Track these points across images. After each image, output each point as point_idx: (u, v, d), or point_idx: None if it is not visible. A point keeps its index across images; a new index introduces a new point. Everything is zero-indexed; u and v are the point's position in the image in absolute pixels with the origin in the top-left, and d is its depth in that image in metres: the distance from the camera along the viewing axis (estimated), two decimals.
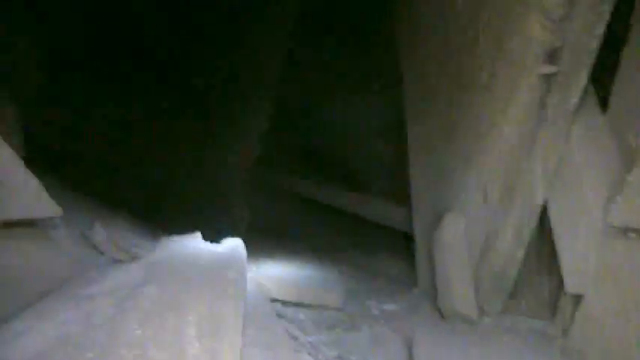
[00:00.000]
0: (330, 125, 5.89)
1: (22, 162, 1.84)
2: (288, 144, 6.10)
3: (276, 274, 3.23)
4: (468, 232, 2.70)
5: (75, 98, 5.12)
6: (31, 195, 1.84)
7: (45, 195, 1.91)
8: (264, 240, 4.46)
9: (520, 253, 2.53)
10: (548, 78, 2.31)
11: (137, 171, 5.38)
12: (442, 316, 2.76)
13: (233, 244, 2.61)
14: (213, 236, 2.97)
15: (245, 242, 2.90)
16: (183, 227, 3.05)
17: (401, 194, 3.97)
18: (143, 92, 5.55)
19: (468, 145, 2.83)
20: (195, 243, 2.65)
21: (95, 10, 5.12)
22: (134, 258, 2.43)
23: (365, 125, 5.59)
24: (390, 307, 3.08)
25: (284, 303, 2.83)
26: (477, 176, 2.70)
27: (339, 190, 5.01)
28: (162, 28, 5.65)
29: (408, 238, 3.74)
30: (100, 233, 2.78)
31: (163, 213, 4.79)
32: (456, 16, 3.04)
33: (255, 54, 5.71)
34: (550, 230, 2.45)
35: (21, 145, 3.01)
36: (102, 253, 2.61)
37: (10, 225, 1.84)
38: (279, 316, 2.58)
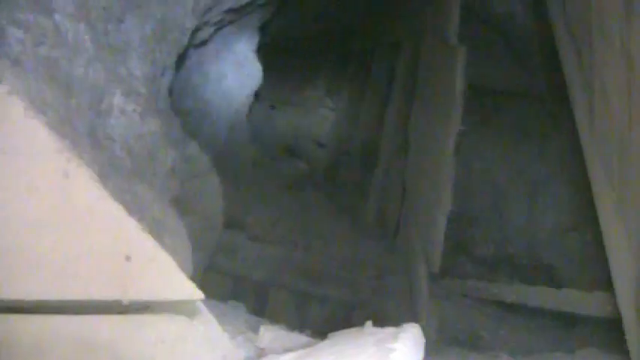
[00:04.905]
0: (516, 226, 5.58)
1: (151, 236, 1.67)
2: (470, 248, 5.78)
3: None
4: None
5: None
6: (162, 273, 1.64)
7: (180, 274, 1.71)
8: (454, 347, 4.12)
9: None
10: None
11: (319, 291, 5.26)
12: None
13: (407, 325, 2.24)
14: None
15: (434, 350, 2.59)
16: None
17: (599, 282, 3.53)
18: None
19: None
20: (366, 330, 2.34)
21: None
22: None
23: (558, 221, 5.26)
24: None
25: None
26: None
27: (531, 287, 4.56)
28: None
29: (612, 323, 3.21)
30: (265, 336, 2.57)
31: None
32: None
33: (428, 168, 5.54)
34: None
35: None
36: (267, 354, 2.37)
37: (142, 309, 1.65)
38: None
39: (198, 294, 1.76)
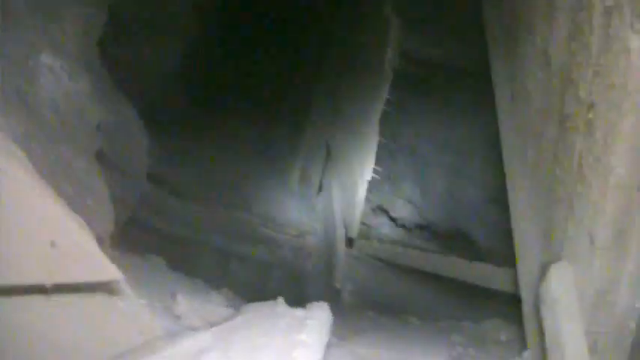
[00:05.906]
0: (442, 195, 5.74)
1: (78, 221, 1.74)
2: (391, 212, 5.95)
3: (375, 341, 3.00)
4: (578, 284, 2.38)
5: None
6: (85, 257, 1.72)
7: (102, 257, 1.78)
8: (367, 311, 4.30)
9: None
10: None
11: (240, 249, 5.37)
12: None
13: (316, 307, 2.40)
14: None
15: (347, 313, 2.72)
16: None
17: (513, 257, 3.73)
18: None
19: (569, 187, 2.55)
20: (277, 309, 2.48)
21: None
22: (212, 325, 2.28)
23: (479, 193, 5.43)
24: None
25: None
26: (581, 220, 2.40)
27: (445, 258, 4.78)
28: None
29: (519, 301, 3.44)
30: (182, 304, 2.67)
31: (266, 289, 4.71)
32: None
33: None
34: None
35: None
36: (183, 325, 2.49)
37: (66, 290, 1.72)
38: None
39: (118, 274, 1.85)
